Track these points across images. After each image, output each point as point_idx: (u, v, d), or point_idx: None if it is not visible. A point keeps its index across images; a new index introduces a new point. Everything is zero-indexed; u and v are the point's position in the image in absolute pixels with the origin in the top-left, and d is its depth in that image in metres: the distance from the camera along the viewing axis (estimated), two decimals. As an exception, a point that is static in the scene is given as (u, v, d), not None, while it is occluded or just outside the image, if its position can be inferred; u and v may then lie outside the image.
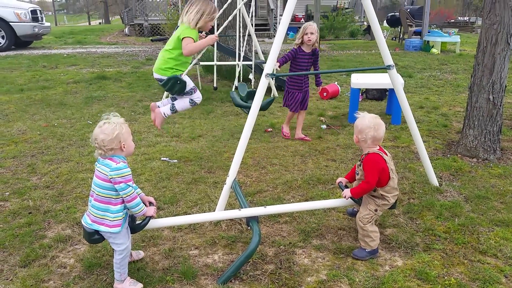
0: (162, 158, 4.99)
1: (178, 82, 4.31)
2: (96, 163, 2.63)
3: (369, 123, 2.99)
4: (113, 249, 2.70)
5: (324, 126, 6.42)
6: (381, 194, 3.04)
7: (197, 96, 4.59)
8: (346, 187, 3.24)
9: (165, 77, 4.33)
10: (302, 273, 2.89)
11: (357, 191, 3.06)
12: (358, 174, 3.18)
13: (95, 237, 2.64)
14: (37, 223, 3.51)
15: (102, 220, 2.59)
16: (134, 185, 2.80)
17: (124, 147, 2.60)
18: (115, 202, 2.59)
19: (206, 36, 4.56)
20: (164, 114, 4.57)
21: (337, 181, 3.36)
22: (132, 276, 2.82)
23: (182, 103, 4.56)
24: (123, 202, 2.61)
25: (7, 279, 2.81)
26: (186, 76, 4.44)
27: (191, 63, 4.54)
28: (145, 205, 2.83)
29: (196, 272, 2.89)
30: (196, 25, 4.33)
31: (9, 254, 3.09)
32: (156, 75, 4.45)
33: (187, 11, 4.34)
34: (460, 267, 2.96)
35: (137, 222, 2.80)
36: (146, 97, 8.25)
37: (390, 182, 3.04)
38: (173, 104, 4.57)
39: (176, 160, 4.95)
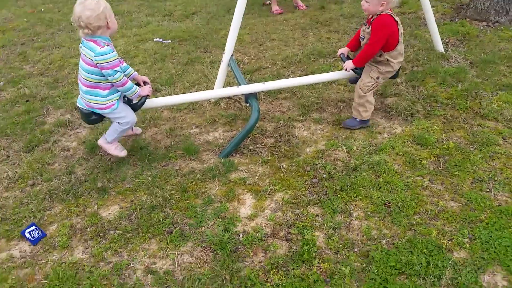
0: (155, 39, 4.78)
1: None
2: (81, 45, 2.48)
3: None
4: None
5: (326, -4, 6.00)
6: (387, 59, 2.88)
7: None
8: (348, 58, 3.09)
9: None
10: (301, 145, 2.93)
11: (359, 57, 2.91)
12: (363, 38, 2.97)
13: (92, 117, 2.61)
14: (36, 110, 3.50)
15: (95, 104, 2.54)
16: (123, 65, 2.69)
17: (110, 23, 2.42)
18: (104, 86, 2.50)
19: None
20: None
21: (339, 52, 3.20)
22: (135, 154, 2.88)
23: None
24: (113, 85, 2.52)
25: (14, 163, 2.89)
26: None
27: None
28: (140, 85, 2.76)
29: (198, 149, 2.95)
30: None
31: (12, 141, 3.14)
32: None
33: None
34: (460, 132, 2.97)
35: (134, 102, 2.74)
36: (134, -26, 7.63)
37: (398, 46, 2.87)
38: None
39: (170, 40, 4.74)
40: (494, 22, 4.55)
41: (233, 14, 3.15)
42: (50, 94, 3.76)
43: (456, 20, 4.75)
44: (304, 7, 5.57)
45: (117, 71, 2.42)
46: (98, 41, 2.40)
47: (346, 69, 3.00)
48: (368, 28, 2.87)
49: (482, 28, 4.51)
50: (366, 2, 2.77)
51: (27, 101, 3.66)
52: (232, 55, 3.29)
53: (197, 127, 3.24)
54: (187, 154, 2.89)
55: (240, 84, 3.04)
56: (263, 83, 3.09)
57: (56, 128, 3.25)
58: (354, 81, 3.25)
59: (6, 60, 4.51)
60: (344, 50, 3.16)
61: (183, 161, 2.84)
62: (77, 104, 2.64)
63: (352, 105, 3.09)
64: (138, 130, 3.12)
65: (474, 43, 4.18)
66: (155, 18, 5.45)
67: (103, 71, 2.40)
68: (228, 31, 3.22)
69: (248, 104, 3.07)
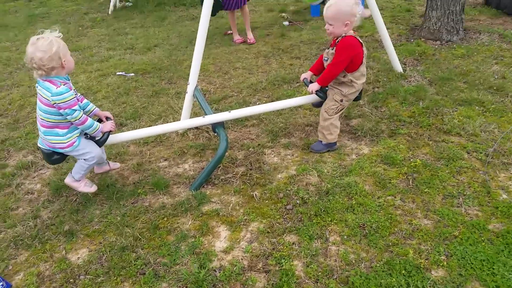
0: (118, 73, 4.72)
1: None
2: (37, 84, 2.40)
3: (349, 1, 2.71)
4: None
5: (286, 23, 6.15)
6: (350, 80, 2.93)
7: None
8: (311, 82, 3.13)
9: None
10: (273, 171, 2.92)
11: (323, 77, 2.94)
12: (327, 59, 3.01)
13: (54, 157, 2.52)
14: (-5, 154, 3.35)
15: (56, 144, 2.45)
16: (83, 102, 2.63)
17: (64, 63, 2.36)
18: (63, 125, 2.43)
19: None
20: None
21: (302, 77, 3.23)
22: (101, 193, 2.78)
23: None
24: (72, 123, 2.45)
25: (-28, 212, 2.72)
26: None
27: None
28: (102, 121, 2.70)
29: (167, 182, 2.87)
30: None
31: (-31, 187, 2.97)
32: None
33: None
34: (425, 148, 3.04)
35: (97, 138, 2.66)
36: (93, 8, 7.59)
37: (361, 68, 2.92)
38: None
39: (133, 74, 4.69)
40: (447, 40, 4.78)
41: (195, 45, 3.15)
42: (10, 135, 3.61)
43: (412, 40, 4.96)
44: (253, 41, 5.54)
45: (75, 110, 2.36)
46: (54, 80, 2.33)
47: (311, 92, 3.03)
48: (332, 50, 2.91)
49: (436, 47, 4.71)
50: (330, 25, 2.80)
51: (-16, 144, 3.50)
52: (197, 85, 3.28)
53: (165, 160, 3.18)
54: (157, 188, 2.82)
55: (206, 114, 3.02)
56: (229, 111, 3.07)
57: (18, 171, 3.11)
58: (318, 104, 3.28)
59: (-40, 103, 4.32)
60: (307, 74, 3.20)
61: (153, 196, 2.76)
62: (38, 144, 2.54)
63: (318, 129, 3.12)
64: (116, 165, 3.01)
65: (431, 62, 4.35)
66: (116, 52, 5.40)
67: (60, 110, 2.33)
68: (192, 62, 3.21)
69: (216, 134, 3.05)
